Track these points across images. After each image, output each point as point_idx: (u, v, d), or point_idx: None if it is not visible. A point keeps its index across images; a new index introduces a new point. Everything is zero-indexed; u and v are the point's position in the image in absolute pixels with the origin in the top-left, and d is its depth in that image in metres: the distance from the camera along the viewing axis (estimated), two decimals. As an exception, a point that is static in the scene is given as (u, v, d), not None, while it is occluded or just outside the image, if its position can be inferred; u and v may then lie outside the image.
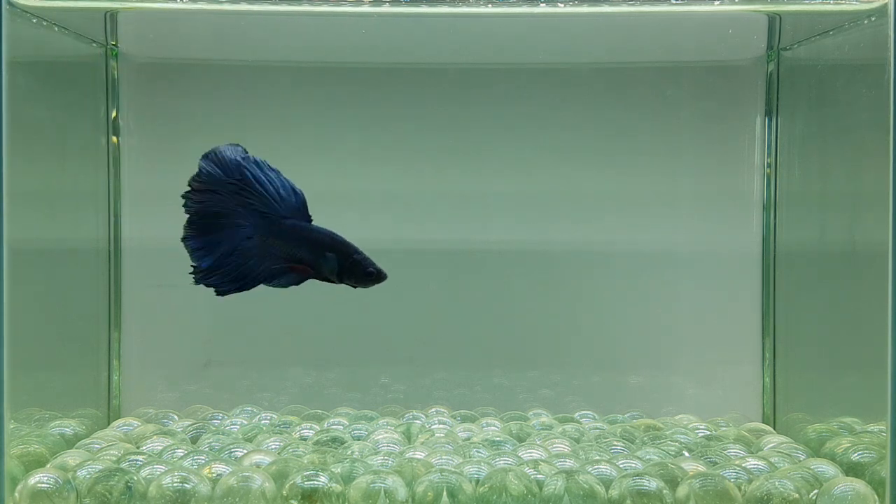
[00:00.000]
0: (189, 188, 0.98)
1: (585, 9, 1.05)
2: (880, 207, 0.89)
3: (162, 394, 1.26)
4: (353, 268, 0.98)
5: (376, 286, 0.99)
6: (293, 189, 0.98)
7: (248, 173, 0.97)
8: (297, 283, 0.99)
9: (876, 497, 0.88)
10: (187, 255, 0.99)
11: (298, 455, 0.99)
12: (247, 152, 0.98)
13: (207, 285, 0.99)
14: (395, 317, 1.24)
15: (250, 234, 0.98)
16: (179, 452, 1.00)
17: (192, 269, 0.99)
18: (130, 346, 1.25)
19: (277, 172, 0.98)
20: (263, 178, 0.97)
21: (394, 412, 1.21)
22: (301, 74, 1.24)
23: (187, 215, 0.99)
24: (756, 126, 1.24)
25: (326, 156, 1.24)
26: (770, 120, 1.23)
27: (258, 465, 0.94)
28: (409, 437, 1.11)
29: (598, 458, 0.98)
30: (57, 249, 1.12)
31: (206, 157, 0.98)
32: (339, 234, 0.98)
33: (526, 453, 1.00)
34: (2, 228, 0.87)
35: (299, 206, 0.98)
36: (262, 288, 1.24)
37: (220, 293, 1.00)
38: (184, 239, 0.99)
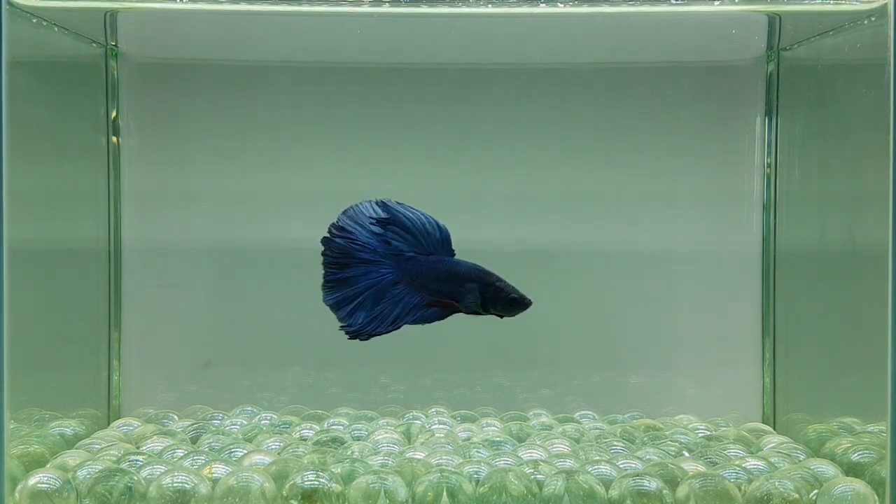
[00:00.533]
0: (329, 240, 0.98)
1: (585, 9, 1.05)
2: (880, 207, 0.89)
3: (162, 394, 1.25)
4: (496, 296, 0.97)
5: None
6: (437, 225, 0.97)
7: (389, 213, 0.97)
8: (442, 317, 0.99)
9: (876, 497, 0.88)
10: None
11: (298, 455, 0.99)
12: (387, 200, 0.97)
13: (362, 339, 0.99)
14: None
15: (397, 278, 0.97)
16: (179, 453, 1.00)
17: (343, 327, 0.99)
18: (130, 346, 1.25)
19: (420, 212, 0.97)
20: (410, 213, 0.97)
21: (394, 412, 1.21)
22: (301, 74, 1.24)
23: (330, 271, 0.98)
24: (756, 126, 1.23)
25: (326, 156, 1.24)
26: (770, 120, 1.22)
27: (258, 465, 0.94)
28: (409, 437, 1.11)
29: (598, 458, 0.98)
30: (57, 249, 1.12)
31: (344, 213, 0.98)
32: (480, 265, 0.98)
33: (526, 453, 1.00)
34: (2, 228, 0.87)
35: (444, 240, 0.97)
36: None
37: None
38: (332, 304, 0.98)
